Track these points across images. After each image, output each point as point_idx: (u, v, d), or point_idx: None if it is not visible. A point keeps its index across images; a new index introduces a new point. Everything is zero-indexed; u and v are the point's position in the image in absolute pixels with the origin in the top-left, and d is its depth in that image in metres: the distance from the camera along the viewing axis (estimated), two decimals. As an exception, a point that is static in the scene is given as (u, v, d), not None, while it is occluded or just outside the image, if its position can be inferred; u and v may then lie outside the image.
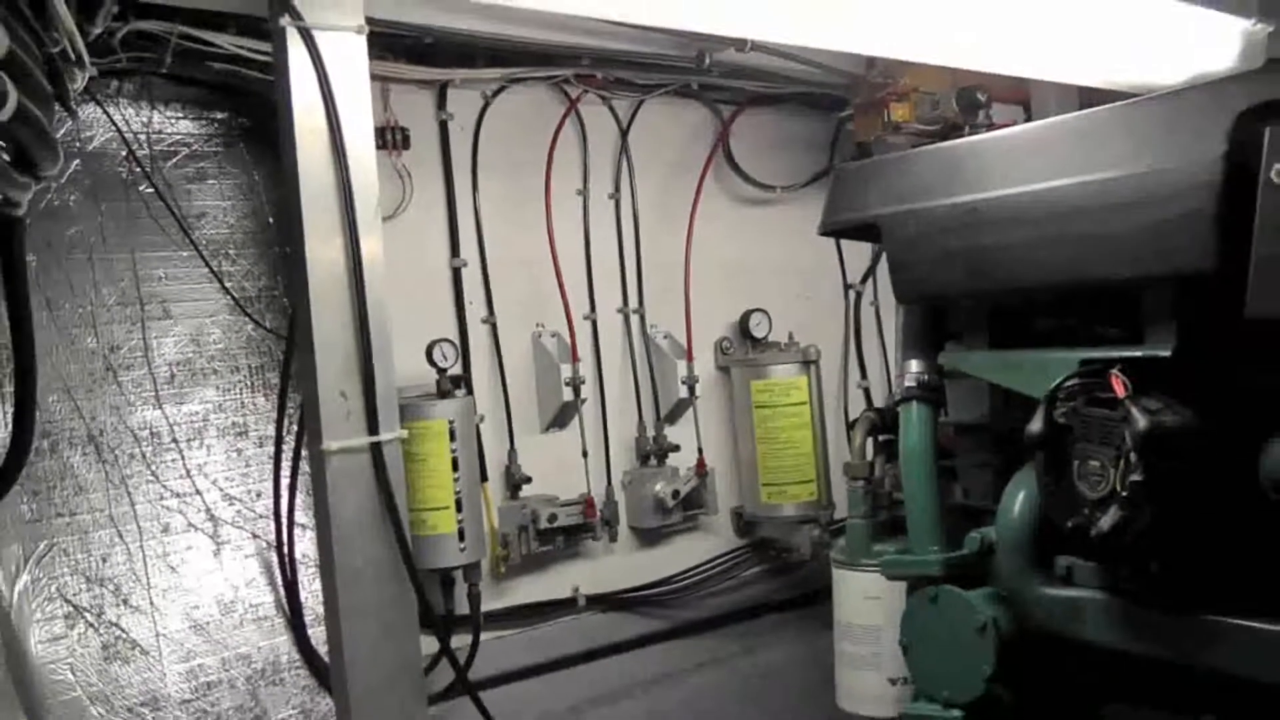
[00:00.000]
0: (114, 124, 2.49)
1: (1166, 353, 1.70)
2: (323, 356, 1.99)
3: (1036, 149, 1.93)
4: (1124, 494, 1.59)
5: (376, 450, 2.04)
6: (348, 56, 1.99)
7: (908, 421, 2.19)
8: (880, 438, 2.47)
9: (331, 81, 1.95)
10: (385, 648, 2.08)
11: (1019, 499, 1.96)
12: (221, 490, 2.67)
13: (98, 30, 2.01)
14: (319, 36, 1.93)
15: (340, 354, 2.01)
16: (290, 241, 2.09)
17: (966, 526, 2.13)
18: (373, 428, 2.03)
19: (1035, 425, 1.74)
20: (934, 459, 2.17)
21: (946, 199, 1.99)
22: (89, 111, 2.49)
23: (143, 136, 2.59)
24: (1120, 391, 1.61)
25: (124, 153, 2.54)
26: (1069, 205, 1.78)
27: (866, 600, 2.43)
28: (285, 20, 1.91)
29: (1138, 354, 1.73)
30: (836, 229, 2.33)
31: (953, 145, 2.16)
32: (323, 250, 2.00)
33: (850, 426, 2.56)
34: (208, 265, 2.62)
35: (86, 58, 1.75)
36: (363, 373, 2.03)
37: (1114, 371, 1.64)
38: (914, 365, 2.21)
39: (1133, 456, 1.58)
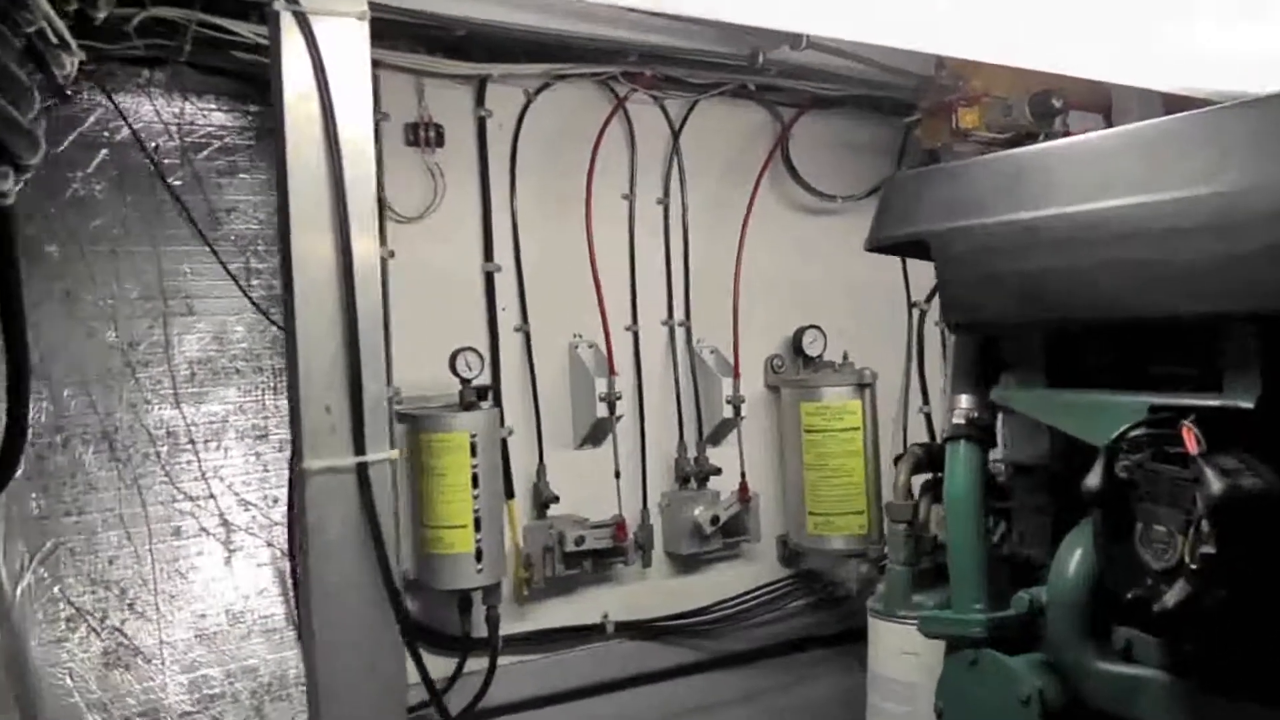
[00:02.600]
0: (122, 115, 2.43)
1: (1249, 404, 1.49)
2: (306, 365, 1.88)
3: (1103, 162, 1.71)
4: (1193, 567, 1.41)
5: (362, 471, 1.92)
6: (347, 43, 1.89)
7: (954, 463, 2.00)
8: (927, 476, 2.25)
9: (327, 69, 1.85)
10: (365, 677, 1.97)
11: (1075, 557, 1.77)
12: (237, 495, 2.61)
13: (102, 14, 1.94)
14: (315, 22, 1.84)
15: (326, 363, 1.90)
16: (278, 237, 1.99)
17: (1018, 581, 1.95)
18: (359, 447, 1.91)
19: (1093, 479, 1.55)
20: (982, 506, 1.98)
21: (1002, 215, 1.79)
22: (120, 100, 2.43)
23: (174, 127, 2.55)
24: (1192, 447, 1.42)
25: (152, 145, 2.49)
26: (1138, 227, 1.56)
27: (903, 655, 2.23)
28: (280, 4, 1.82)
29: (1215, 404, 1.52)
30: (883, 244, 2.13)
31: (1011, 155, 1.94)
32: (310, 248, 1.90)
33: (896, 461, 2.35)
34: (224, 267, 2.54)
35: (70, 40, 1.66)
36: (350, 385, 1.91)
37: (1186, 423, 1.44)
38: (963, 400, 2.01)
39: (1204, 524, 1.39)
